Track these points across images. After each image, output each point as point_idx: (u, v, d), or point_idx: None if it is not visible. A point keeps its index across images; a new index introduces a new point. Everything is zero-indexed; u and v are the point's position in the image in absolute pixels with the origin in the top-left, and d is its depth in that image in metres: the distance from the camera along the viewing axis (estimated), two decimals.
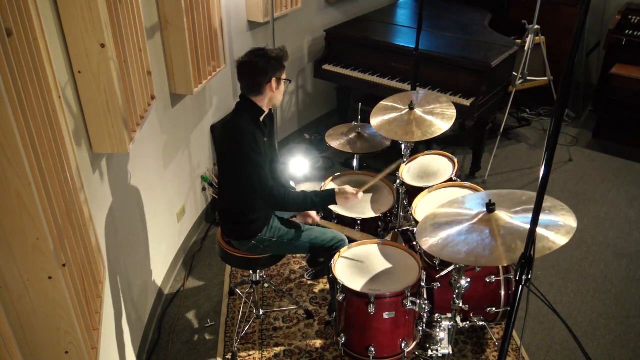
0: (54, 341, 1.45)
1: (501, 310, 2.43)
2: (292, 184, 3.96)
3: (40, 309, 1.39)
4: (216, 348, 2.68)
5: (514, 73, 3.97)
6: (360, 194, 2.45)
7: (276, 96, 2.32)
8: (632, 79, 4.32)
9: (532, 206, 1.47)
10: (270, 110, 2.42)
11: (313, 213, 2.60)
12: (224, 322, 2.82)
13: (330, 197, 2.40)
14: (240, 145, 2.21)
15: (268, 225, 2.43)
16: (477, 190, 2.55)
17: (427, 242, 1.89)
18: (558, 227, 1.74)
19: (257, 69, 2.22)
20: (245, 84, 2.28)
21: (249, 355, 2.63)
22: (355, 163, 3.18)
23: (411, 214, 2.48)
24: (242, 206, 2.37)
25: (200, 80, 2.93)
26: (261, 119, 2.34)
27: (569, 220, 1.77)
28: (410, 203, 2.66)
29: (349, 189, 2.42)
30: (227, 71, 3.45)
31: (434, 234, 1.91)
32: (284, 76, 2.31)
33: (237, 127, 2.25)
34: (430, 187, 2.61)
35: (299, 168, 4.09)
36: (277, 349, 2.66)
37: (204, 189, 3.53)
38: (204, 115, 3.40)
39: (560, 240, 1.69)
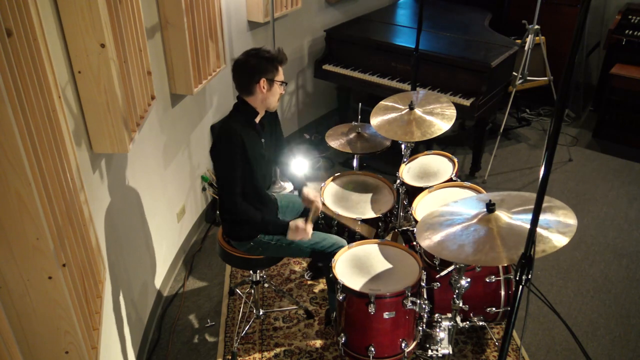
0: (54, 341, 1.45)
1: (501, 310, 2.43)
2: (292, 184, 3.98)
3: (40, 309, 1.39)
4: (216, 348, 2.68)
5: (514, 73, 3.97)
6: (310, 234, 2.35)
7: (268, 98, 2.27)
8: (632, 79, 4.32)
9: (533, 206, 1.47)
10: (272, 113, 2.42)
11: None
12: (224, 322, 2.82)
13: (282, 228, 2.34)
14: (223, 144, 2.22)
15: None
16: (477, 190, 2.55)
17: (427, 241, 1.89)
18: (558, 227, 1.74)
19: (246, 68, 2.21)
20: (236, 83, 2.28)
21: (249, 355, 2.63)
22: (355, 163, 3.18)
23: (411, 214, 2.48)
24: None
25: (200, 80, 2.93)
26: (257, 120, 2.34)
27: (569, 220, 1.77)
28: (410, 203, 2.66)
29: (302, 226, 2.33)
30: (227, 71, 3.45)
31: (434, 233, 1.91)
32: (278, 78, 2.27)
33: (226, 128, 2.27)
34: (430, 187, 2.61)
35: (299, 168, 4.08)
36: (277, 349, 2.66)
37: (204, 189, 3.53)
38: (204, 115, 3.40)
39: (560, 240, 1.69)
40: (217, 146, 2.25)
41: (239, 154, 2.20)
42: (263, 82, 2.22)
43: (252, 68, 2.21)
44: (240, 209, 2.26)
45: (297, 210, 2.69)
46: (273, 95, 2.29)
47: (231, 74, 2.28)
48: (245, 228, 2.38)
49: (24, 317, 1.39)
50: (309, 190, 2.56)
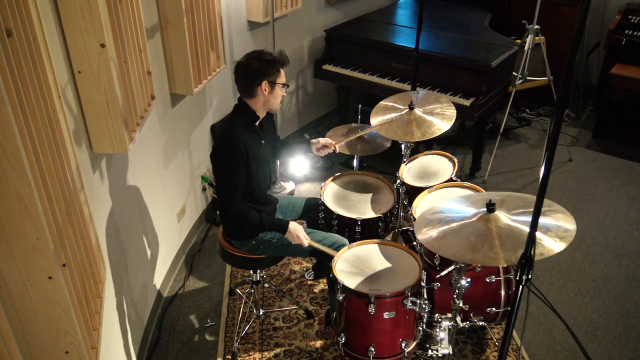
0: (54, 341, 1.45)
1: (501, 310, 2.43)
2: (292, 184, 3.98)
3: (40, 309, 1.39)
4: (216, 348, 2.68)
5: (514, 73, 3.97)
6: (307, 243, 2.36)
7: (270, 100, 2.28)
8: (632, 79, 4.32)
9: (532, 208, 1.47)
10: (268, 113, 2.42)
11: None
12: (224, 322, 2.82)
13: (281, 228, 2.34)
14: (225, 148, 2.23)
15: None
16: (477, 190, 2.55)
17: (425, 236, 1.89)
18: (557, 231, 1.74)
19: (248, 70, 2.22)
20: (239, 86, 2.28)
21: (249, 355, 2.63)
22: (355, 163, 3.18)
23: (411, 214, 2.48)
24: None
25: (200, 80, 2.93)
26: (257, 123, 2.34)
27: (569, 225, 1.77)
28: (410, 203, 2.66)
29: (301, 233, 2.35)
30: (227, 71, 3.45)
31: (432, 229, 1.91)
32: (280, 80, 2.27)
33: (228, 130, 2.28)
34: (430, 187, 2.61)
35: (299, 168, 4.09)
36: (277, 349, 2.66)
37: (204, 189, 3.53)
38: (204, 115, 3.40)
39: (558, 245, 1.69)
40: (219, 149, 2.26)
41: (241, 157, 2.21)
42: (265, 84, 2.23)
43: (254, 70, 2.21)
44: (239, 211, 2.27)
45: (297, 212, 2.69)
46: (275, 98, 2.29)
47: (232, 75, 2.28)
48: (246, 228, 2.38)
49: (24, 317, 1.39)
50: (317, 139, 2.67)
